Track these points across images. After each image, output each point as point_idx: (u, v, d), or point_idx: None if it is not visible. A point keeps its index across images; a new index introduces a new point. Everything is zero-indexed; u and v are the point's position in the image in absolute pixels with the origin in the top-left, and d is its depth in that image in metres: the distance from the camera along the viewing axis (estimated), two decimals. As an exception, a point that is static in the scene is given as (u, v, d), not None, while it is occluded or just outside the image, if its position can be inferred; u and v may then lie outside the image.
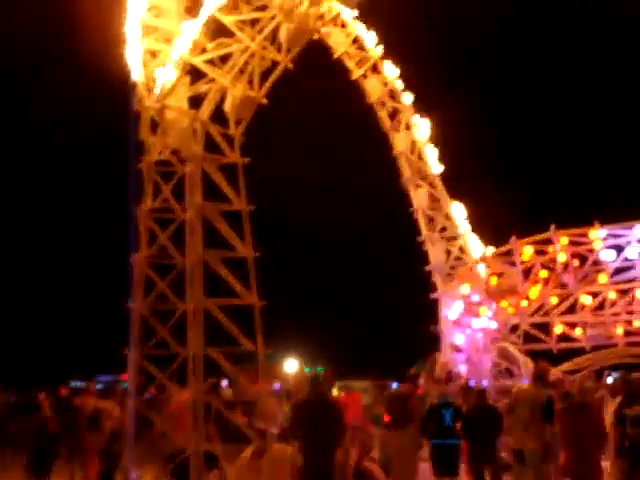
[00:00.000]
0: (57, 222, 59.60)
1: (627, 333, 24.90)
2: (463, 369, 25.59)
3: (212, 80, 17.27)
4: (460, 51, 56.88)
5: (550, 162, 56.80)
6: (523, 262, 25.86)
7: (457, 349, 26.04)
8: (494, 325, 25.81)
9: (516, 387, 18.79)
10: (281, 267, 46.29)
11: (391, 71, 26.79)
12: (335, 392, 24.88)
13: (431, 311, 26.89)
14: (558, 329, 25.34)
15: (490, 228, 28.78)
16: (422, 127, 27.13)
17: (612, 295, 24.93)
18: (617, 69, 53.25)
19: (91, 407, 19.93)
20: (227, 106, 17.40)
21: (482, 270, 26.50)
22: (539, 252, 25.80)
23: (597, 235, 25.32)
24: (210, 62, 17.25)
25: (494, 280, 26.08)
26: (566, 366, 24.64)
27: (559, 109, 57.95)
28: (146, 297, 17.24)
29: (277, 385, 33.61)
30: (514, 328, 26.28)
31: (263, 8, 17.05)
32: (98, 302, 55.00)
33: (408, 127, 27.10)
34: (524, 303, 25.75)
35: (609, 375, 23.84)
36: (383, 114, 27.10)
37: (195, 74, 17.45)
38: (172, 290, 17.14)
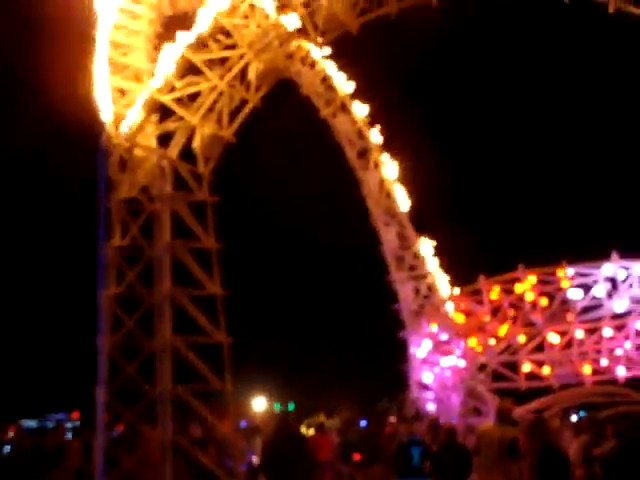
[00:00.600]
0: (18, 259, 58.99)
1: (595, 372, 24.90)
2: (432, 407, 25.54)
3: (181, 118, 17.31)
4: (427, 92, 57.25)
5: (518, 202, 57.04)
6: (491, 301, 25.89)
7: (425, 387, 25.99)
8: (462, 363, 25.76)
9: (480, 427, 18.71)
10: (249, 304, 46.10)
11: (360, 110, 26.82)
12: (305, 429, 24.78)
13: (400, 349, 26.87)
14: (526, 367, 25.29)
15: (459, 267, 28.85)
16: (390, 166, 27.15)
17: (580, 334, 24.94)
18: (582, 109, 53.69)
19: (55, 443, 19.75)
20: (196, 144, 17.46)
21: (450, 309, 26.54)
22: (507, 291, 25.85)
23: (565, 274, 25.44)
24: (179, 100, 17.30)
25: (460, 317, 26.09)
26: (534, 405, 24.59)
27: (528, 149, 58.28)
28: (114, 334, 17.18)
29: (243, 422, 33.37)
30: (482, 367, 26.23)
31: (232, 47, 17.14)
32: (51, 340, 54.68)
33: (377, 165, 27.12)
34: (492, 342, 25.72)
35: (573, 414, 23.84)
36: (352, 153, 27.08)
37: (164, 112, 17.48)
38: (140, 328, 17.09)
